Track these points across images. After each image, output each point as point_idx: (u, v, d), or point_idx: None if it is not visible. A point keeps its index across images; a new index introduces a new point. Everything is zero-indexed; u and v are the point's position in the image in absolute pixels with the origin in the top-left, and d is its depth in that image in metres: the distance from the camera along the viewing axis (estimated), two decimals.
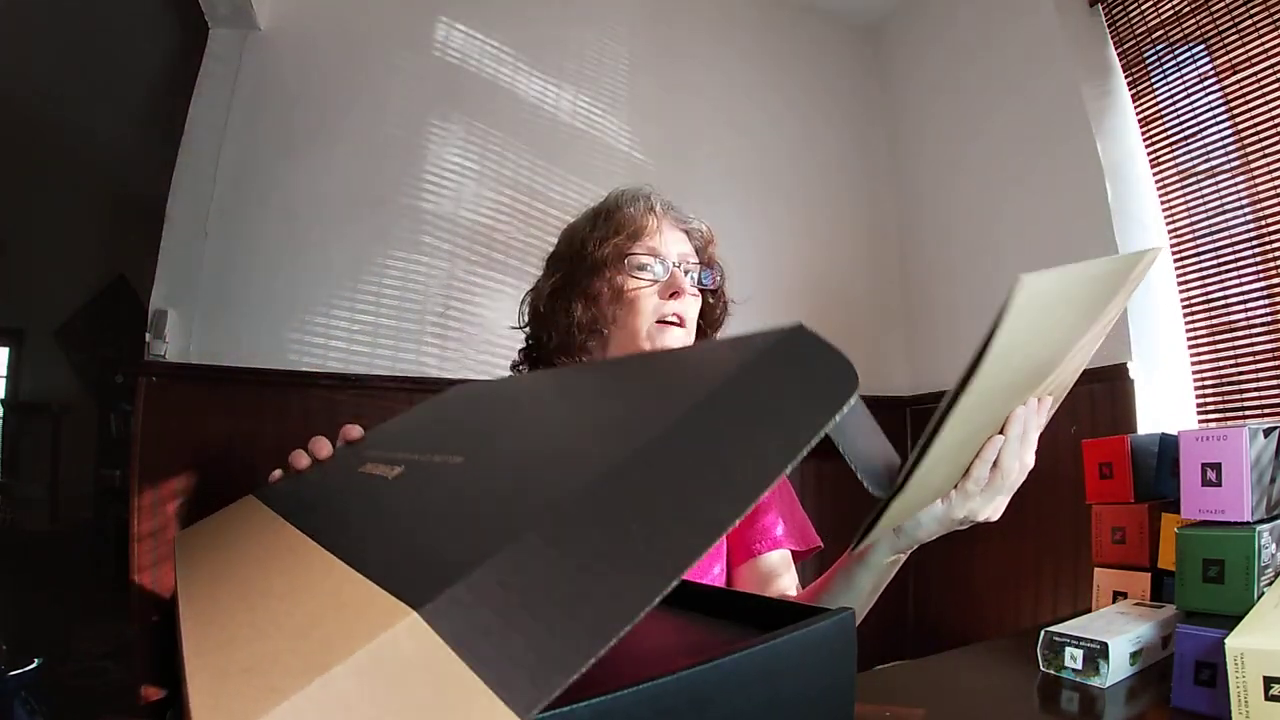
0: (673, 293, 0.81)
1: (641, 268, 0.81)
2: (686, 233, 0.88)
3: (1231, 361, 1.61)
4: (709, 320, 0.90)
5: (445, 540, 0.27)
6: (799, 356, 0.30)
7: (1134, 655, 0.55)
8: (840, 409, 0.28)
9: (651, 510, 0.24)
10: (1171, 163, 1.74)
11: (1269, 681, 0.41)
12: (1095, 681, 0.54)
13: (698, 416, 0.27)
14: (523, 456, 0.34)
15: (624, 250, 0.81)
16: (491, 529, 0.25)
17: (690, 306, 0.83)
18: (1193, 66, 1.69)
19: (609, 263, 0.81)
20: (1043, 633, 0.58)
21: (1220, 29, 1.61)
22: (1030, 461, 0.53)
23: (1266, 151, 1.54)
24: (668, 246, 0.84)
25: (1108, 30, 1.86)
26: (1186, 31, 1.69)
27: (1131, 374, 1.66)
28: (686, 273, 0.84)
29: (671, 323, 0.80)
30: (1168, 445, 0.77)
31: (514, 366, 0.91)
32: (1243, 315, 1.60)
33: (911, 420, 2.20)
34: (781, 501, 0.85)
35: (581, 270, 0.82)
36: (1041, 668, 0.57)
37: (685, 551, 0.23)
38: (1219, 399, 1.63)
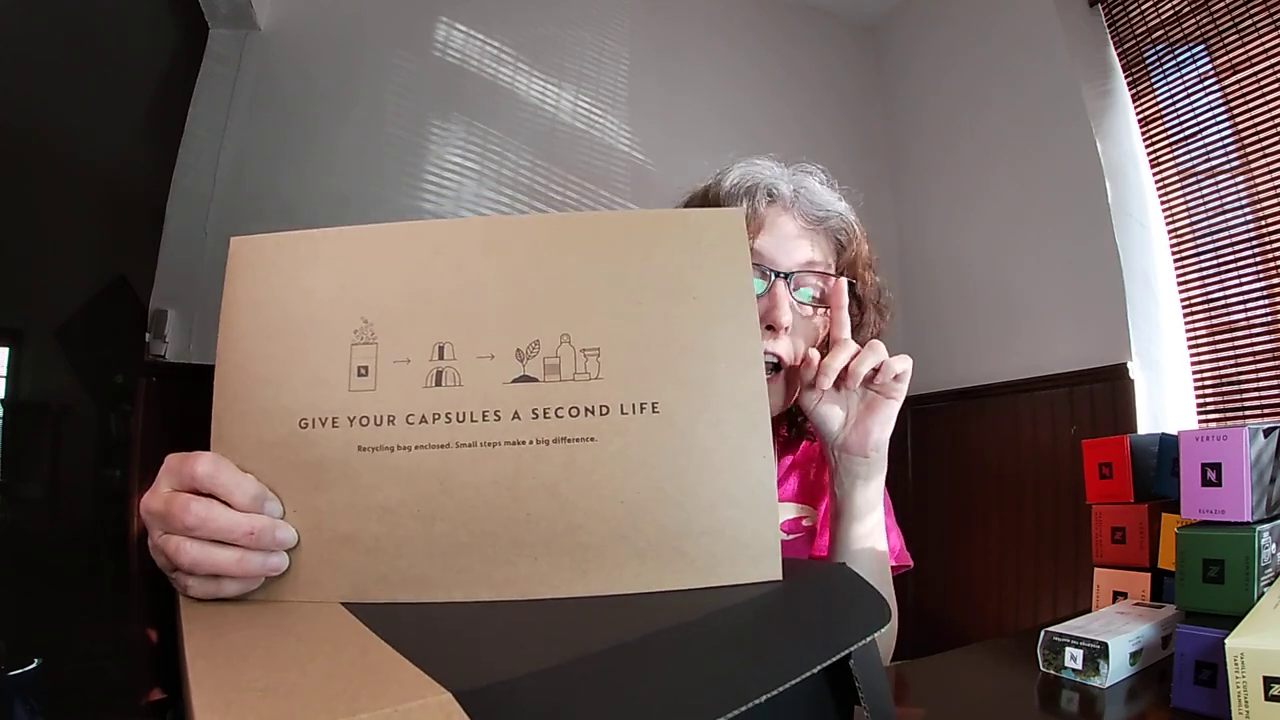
0: (767, 325, 0.60)
1: None
2: (821, 229, 0.64)
3: (1231, 361, 1.61)
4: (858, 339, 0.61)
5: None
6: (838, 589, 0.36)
7: (1134, 655, 0.55)
8: (874, 631, 0.34)
9: (689, 669, 0.27)
10: (1171, 163, 1.74)
11: (1269, 681, 0.41)
12: (1095, 681, 0.54)
13: (756, 608, 0.32)
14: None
15: None
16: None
17: (788, 345, 0.60)
18: (1192, 66, 1.69)
19: None
20: (1043, 633, 0.58)
21: (1220, 29, 1.61)
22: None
23: (1266, 151, 1.54)
24: (778, 248, 0.61)
25: (1108, 30, 1.86)
26: (1186, 31, 1.69)
27: (1131, 374, 1.66)
28: (798, 288, 0.62)
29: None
30: (1168, 445, 0.76)
31: None
32: (1243, 315, 1.60)
33: (911, 420, 2.19)
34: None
35: None
36: (1041, 668, 0.57)
37: (711, 706, 0.26)
38: (1219, 399, 1.63)
